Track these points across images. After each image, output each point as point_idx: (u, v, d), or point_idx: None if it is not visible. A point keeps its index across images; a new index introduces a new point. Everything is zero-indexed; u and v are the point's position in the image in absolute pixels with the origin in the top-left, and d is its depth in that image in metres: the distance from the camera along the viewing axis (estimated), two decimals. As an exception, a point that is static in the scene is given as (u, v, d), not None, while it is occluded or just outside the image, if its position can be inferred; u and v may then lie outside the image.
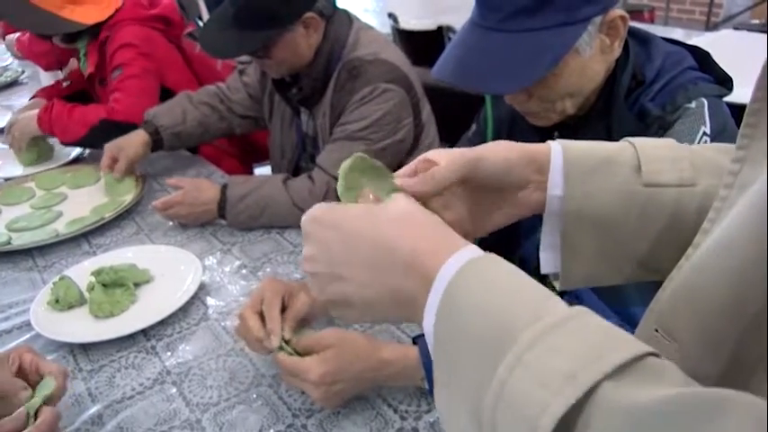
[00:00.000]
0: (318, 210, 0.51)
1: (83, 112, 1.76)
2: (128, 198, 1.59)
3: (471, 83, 0.92)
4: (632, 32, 0.99)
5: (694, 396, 0.30)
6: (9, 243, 1.43)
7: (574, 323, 0.36)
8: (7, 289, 1.29)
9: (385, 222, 0.46)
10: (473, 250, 0.43)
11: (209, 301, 1.20)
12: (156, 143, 1.66)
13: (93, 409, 0.96)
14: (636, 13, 4.61)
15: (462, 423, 0.39)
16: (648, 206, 0.55)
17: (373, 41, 1.48)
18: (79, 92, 2.07)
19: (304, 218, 0.51)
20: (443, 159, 0.55)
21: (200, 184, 1.45)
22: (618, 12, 0.90)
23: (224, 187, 1.42)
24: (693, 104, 0.93)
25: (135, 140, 1.62)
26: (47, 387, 0.84)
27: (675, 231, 0.55)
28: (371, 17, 3.67)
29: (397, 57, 1.49)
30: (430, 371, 0.86)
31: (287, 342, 0.90)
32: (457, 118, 1.47)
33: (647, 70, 0.98)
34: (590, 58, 0.92)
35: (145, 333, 1.11)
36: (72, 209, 1.58)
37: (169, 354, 1.07)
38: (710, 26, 4.43)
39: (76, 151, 1.91)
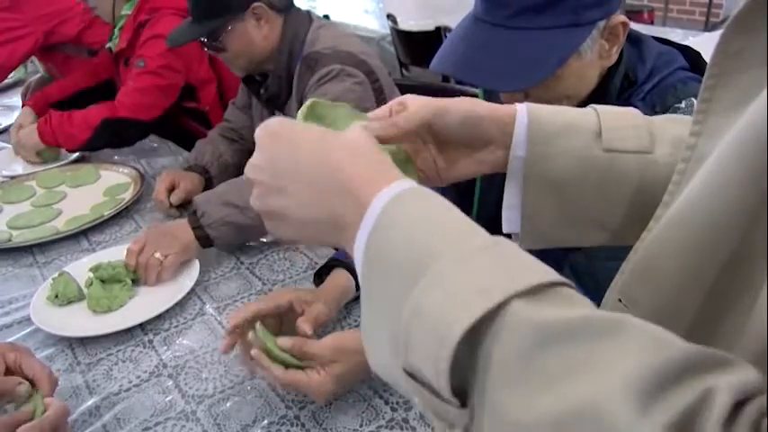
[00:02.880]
0: (277, 124, 0.51)
1: (83, 115, 1.76)
2: (126, 196, 1.61)
3: (475, 78, 0.92)
4: (627, 32, 1.00)
5: (598, 317, 0.32)
6: (10, 240, 1.45)
7: (496, 249, 0.38)
8: (8, 285, 1.31)
9: (334, 147, 0.47)
10: (409, 182, 0.44)
11: (206, 297, 1.22)
12: (208, 181, 1.61)
13: (91, 401, 0.98)
14: (635, 14, 4.62)
15: (380, 341, 0.41)
16: (607, 171, 0.57)
17: (332, 37, 1.50)
18: (71, 96, 2.06)
19: (260, 128, 0.51)
20: (413, 106, 0.57)
21: (161, 226, 1.35)
22: (620, 18, 0.91)
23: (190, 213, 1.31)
24: (683, 104, 0.93)
25: (191, 174, 1.59)
26: (37, 404, 0.84)
27: (632, 197, 0.57)
28: (371, 18, 3.69)
29: (357, 48, 1.50)
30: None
31: (277, 346, 0.86)
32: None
33: (639, 71, 0.98)
34: (589, 63, 0.93)
35: (142, 327, 1.13)
36: (71, 207, 1.60)
37: (165, 347, 1.09)
38: (710, 26, 4.44)
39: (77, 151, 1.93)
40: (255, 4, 1.42)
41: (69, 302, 1.19)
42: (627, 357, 0.30)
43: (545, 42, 0.87)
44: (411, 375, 0.38)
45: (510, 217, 0.62)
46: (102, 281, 1.19)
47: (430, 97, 0.60)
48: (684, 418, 0.27)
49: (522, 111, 0.59)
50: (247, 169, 0.52)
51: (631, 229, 0.57)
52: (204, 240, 1.27)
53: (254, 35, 1.45)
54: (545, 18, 0.86)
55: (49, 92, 2.05)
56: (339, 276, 1.08)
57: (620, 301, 0.48)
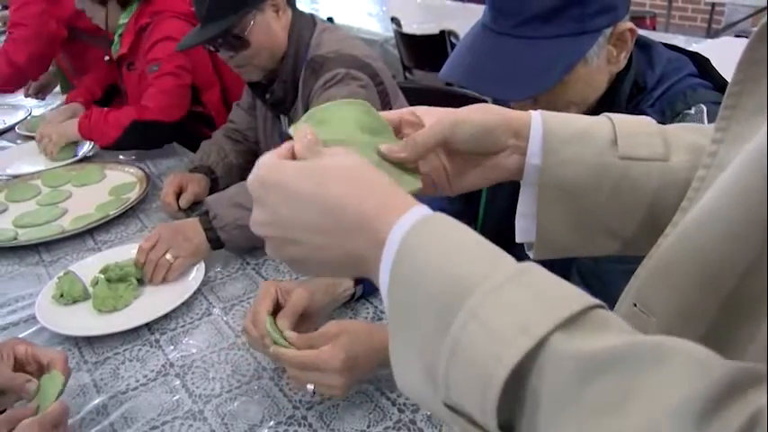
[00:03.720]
0: (262, 169, 0.49)
1: (116, 115, 1.79)
2: (132, 196, 1.61)
3: (483, 87, 0.93)
4: (635, 38, 1.01)
5: (638, 343, 0.32)
6: (16, 239, 1.45)
7: (525, 278, 0.38)
8: (14, 283, 1.31)
9: (330, 181, 0.46)
10: (423, 208, 0.43)
11: (212, 297, 1.22)
12: (213, 182, 1.62)
13: (98, 400, 0.98)
14: (638, 20, 4.64)
15: (417, 380, 0.40)
16: (622, 178, 0.57)
17: (336, 41, 1.50)
18: (110, 92, 2.11)
19: (249, 179, 0.50)
20: (427, 120, 0.57)
21: (174, 224, 1.33)
22: (627, 24, 0.91)
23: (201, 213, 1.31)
24: (693, 110, 0.94)
25: (197, 176, 1.59)
26: (55, 382, 0.84)
27: (646, 205, 0.57)
28: (375, 21, 3.70)
29: (361, 51, 1.51)
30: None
31: (285, 339, 0.88)
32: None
33: (649, 77, 0.99)
34: (597, 68, 0.93)
35: (149, 327, 1.14)
36: (77, 206, 1.61)
37: (172, 347, 1.09)
38: (712, 33, 4.46)
39: (83, 150, 1.93)
40: None
41: (75, 302, 1.19)
42: (674, 384, 0.30)
43: (551, 51, 0.88)
44: (451, 408, 0.38)
45: (524, 226, 0.62)
46: (108, 280, 1.19)
47: (441, 109, 0.59)
48: None
49: (536, 119, 0.59)
50: (252, 226, 0.51)
51: (643, 239, 0.58)
52: (215, 243, 1.27)
53: (274, 27, 1.45)
54: (551, 27, 0.87)
55: (92, 88, 2.13)
56: None
57: (635, 305, 0.48)
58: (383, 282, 0.42)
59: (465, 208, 1.23)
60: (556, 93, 0.92)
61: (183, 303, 1.17)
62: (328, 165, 0.47)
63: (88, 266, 1.27)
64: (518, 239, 0.63)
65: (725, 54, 1.15)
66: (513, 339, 0.34)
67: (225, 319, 1.15)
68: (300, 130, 0.51)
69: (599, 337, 0.34)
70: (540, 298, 0.36)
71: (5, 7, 2.73)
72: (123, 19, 1.86)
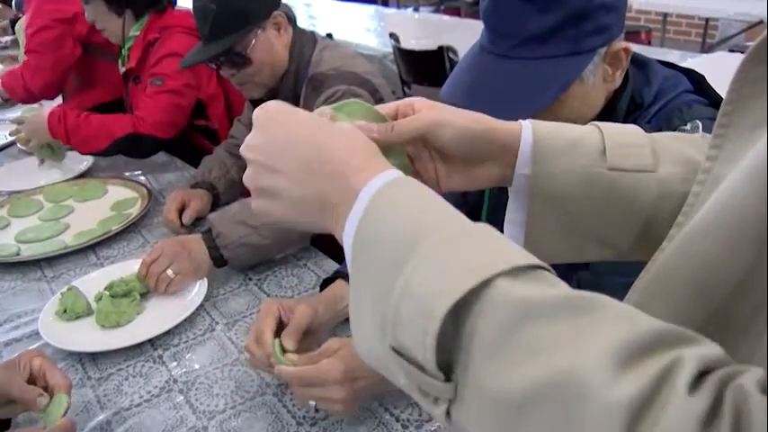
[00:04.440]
0: (276, 107, 0.53)
1: (103, 122, 1.78)
2: (134, 211, 1.62)
3: (480, 107, 0.94)
4: (630, 57, 1.03)
5: (577, 295, 0.35)
6: (18, 254, 1.46)
7: (480, 233, 0.40)
8: (17, 299, 1.32)
9: (329, 134, 0.50)
10: (398, 172, 0.46)
11: (215, 313, 1.23)
12: (215, 197, 1.63)
13: (102, 416, 0.98)
14: (633, 35, 4.68)
15: (370, 330, 0.42)
16: (610, 189, 0.58)
17: (336, 58, 1.52)
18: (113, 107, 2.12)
19: (259, 109, 0.53)
20: (417, 111, 0.58)
21: (177, 239, 1.33)
22: (622, 44, 0.93)
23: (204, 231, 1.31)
24: (688, 126, 0.95)
25: (199, 192, 1.60)
26: (60, 405, 0.85)
27: (635, 214, 0.58)
28: (373, 37, 3.73)
29: (362, 68, 1.52)
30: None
31: (288, 355, 0.91)
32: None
33: (645, 93, 1.01)
34: (593, 87, 0.95)
35: (152, 343, 1.14)
36: (79, 221, 1.62)
37: (175, 363, 1.09)
38: (706, 48, 4.50)
39: (84, 165, 1.94)
40: (275, 12, 1.46)
41: (78, 317, 1.20)
42: (603, 332, 0.32)
43: (547, 71, 0.90)
44: (397, 352, 0.39)
45: (512, 233, 0.63)
46: (112, 296, 1.20)
47: (439, 105, 0.60)
48: (655, 383, 0.29)
49: (527, 129, 0.60)
50: (243, 148, 0.54)
51: (634, 246, 0.59)
52: (218, 261, 1.27)
53: (276, 44, 1.48)
54: (548, 47, 0.88)
55: (83, 103, 2.13)
56: (337, 285, 1.10)
57: None
58: (348, 234, 0.45)
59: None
60: (553, 111, 0.94)
61: (185, 319, 1.17)
62: (332, 124, 0.52)
63: (92, 282, 1.28)
64: None
65: (719, 69, 1.17)
66: (459, 280, 0.36)
67: (228, 335, 1.16)
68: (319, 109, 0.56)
69: (541, 288, 0.36)
70: (490, 249, 0.39)
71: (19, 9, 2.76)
72: (134, 32, 1.87)
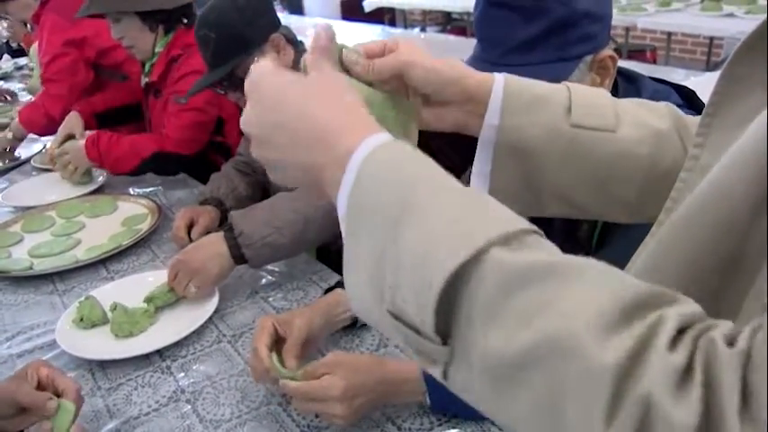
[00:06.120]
0: (257, 73, 0.54)
1: (132, 143, 1.85)
2: (144, 227, 1.66)
3: None
4: (620, 72, 1.05)
5: (566, 261, 0.37)
6: (31, 268, 1.50)
7: (471, 197, 0.42)
8: (29, 312, 1.35)
9: (309, 96, 0.50)
10: (384, 135, 0.47)
11: (222, 325, 1.25)
12: (223, 213, 1.64)
13: (112, 425, 1.00)
14: (638, 53, 4.72)
15: (365, 290, 0.44)
16: (571, 144, 0.60)
17: None
18: (113, 110, 2.17)
19: (248, 82, 0.54)
20: (396, 50, 0.61)
21: (193, 246, 1.35)
22: (608, 52, 0.97)
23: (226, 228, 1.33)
24: None
25: (207, 208, 1.63)
26: (67, 411, 0.87)
27: (592, 170, 0.61)
28: (380, 56, 3.78)
29: None
30: (431, 384, 0.90)
31: (290, 375, 0.92)
32: (465, 149, 1.53)
33: None
34: None
35: (160, 354, 1.17)
36: (90, 236, 1.65)
37: (183, 374, 1.12)
38: (711, 66, 4.53)
39: (96, 183, 1.99)
40: (273, 35, 1.50)
41: (94, 326, 1.24)
42: (589, 295, 0.34)
43: (535, 76, 0.93)
44: (394, 316, 0.41)
45: (477, 184, 0.65)
46: (126, 308, 1.24)
47: (418, 48, 0.62)
48: (640, 340, 0.31)
49: (499, 81, 0.62)
50: (241, 122, 0.56)
51: (590, 203, 0.62)
52: (239, 259, 1.29)
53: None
54: (535, 55, 0.92)
55: (95, 102, 2.16)
56: (333, 294, 1.12)
57: None
58: (341, 198, 0.46)
59: None
60: None
61: (194, 332, 1.20)
62: (315, 82, 0.52)
63: (106, 293, 1.32)
64: None
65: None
66: (456, 247, 0.38)
67: (234, 346, 1.18)
68: (317, 42, 0.56)
69: (533, 254, 0.38)
70: (484, 214, 0.41)
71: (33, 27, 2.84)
72: (158, 48, 1.92)
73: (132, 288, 1.33)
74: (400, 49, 0.61)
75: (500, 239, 0.38)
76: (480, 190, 0.64)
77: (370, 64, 0.60)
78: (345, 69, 0.60)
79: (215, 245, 1.29)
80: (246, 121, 0.54)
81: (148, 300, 1.27)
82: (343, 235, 0.46)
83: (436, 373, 0.40)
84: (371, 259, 0.43)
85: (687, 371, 0.30)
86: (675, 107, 0.67)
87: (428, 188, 0.42)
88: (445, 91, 0.62)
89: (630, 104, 0.65)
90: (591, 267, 0.36)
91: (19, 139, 2.32)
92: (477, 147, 0.64)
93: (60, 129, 2.00)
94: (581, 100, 0.62)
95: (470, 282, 0.38)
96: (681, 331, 0.32)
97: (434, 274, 0.38)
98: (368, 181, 0.44)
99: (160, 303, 1.27)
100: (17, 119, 2.27)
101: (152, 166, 1.88)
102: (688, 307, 0.34)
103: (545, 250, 0.39)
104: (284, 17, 1.66)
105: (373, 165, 0.45)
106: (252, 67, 0.55)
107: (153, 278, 1.38)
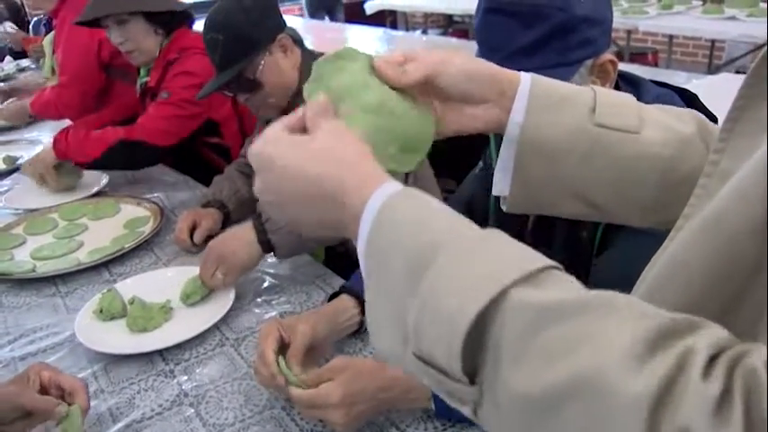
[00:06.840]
0: (256, 146, 0.56)
1: (100, 133, 1.83)
2: (146, 229, 1.65)
3: None
4: (622, 75, 1.05)
5: (591, 297, 0.37)
6: (34, 271, 1.50)
7: (492, 239, 0.43)
8: (32, 314, 1.35)
9: (310, 158, 0.52)
10: (394, 184, 0.48)
11: (225, 328, 1.25)
12: (226, 216, 1.66)
13: (114, 429, 1.00)
14: (639, 56, 4.73)
15: (389, 335, 0.45)
16: (594, 144, 0.61)
17: None
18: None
19: (250, 155, 0.57)
20: (420, 57, 0.61)
21: (224, 235, 1.38)
22: (608, 56, 0.96)
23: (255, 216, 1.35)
24: None
25: (210, 211, 1.63)
26: (76, 416, 0.87)
27: (613, 171, 0.61)
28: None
29: None
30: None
31: (295, 372, 0.93)
32: (466, 154, 1.53)
33: None
34: None
35: (163, 357, 1.16)
36: (93, 239, 1.65)
37: (186, 377, 1.11)
38: (712, 69, 4.53)
39: (99, 185, 1.98)
40: (280, 35, 1.50)
41: (113, 318, 1.26)
42: (617, 329, 0.34)
43: None
44: (421, 359, 0.42)
45: (499, 180, 0.66)
46: (143, 303, 1.26)
47: (440, 53, 0.63)
48: (671, 373, 0.31)
49: (525, 79, 0.63)
50: (255, 191, 0.58)
51: (610, 207, 0.63)
52: (266, 245, 1.30)
53: (284, 66, 1.52)
54: (535, 59, 0.91)
55: (88, 122, 2.16)
56: (340, 299, 1.12)
57: None
58: (360, 251, 0.48)
59: None
60: None
61: (197, 335, 1.20)
62: (316, 143, 0.53)
63: (127, 287, 1.35)
64: (494, 192, 0.67)
65: (724, 90, 1.19)
66: (478, 291, 0.38)
67: (238, 350, 1.18)
68: (314, 102, 0.58)
69: (555, 291, 0.38)
70: (502, 257, 0.41)
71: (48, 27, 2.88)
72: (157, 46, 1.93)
73: (152, 284, 1.36)
74: (425, 55, 0.62)
75: (522, 278, 0.38)
76: (503, 186, 0.65)
77: (403, 69, 0.60)
78: (377, 77, 0.60)
79: (246, 234, 1.31)
80: (258, 190, 0.57)
81: (185, 297, 1.29)
82: (365, 279, 0.47)
83: (466, 411, 0.41)
84: (393, 304, 0.44)
85: (724, 400, 0.30)
86: (700, 114, 0.67)
87: (448, 233, 0.43)
88: (480, 89, 0.62)
89: (655, 109, 0.65)
90: (615, 300, 0.36)
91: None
92: (503, 142, 0.64)
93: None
94: (606, 101, 0.62)
95: (495, 322, 0.38)
96: (712, 358, 0.32)
97: (459, 318, 0.38)
98: (384, 228, 0.46)
99: (197, 298, 1.29)
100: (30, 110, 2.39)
101: (118, 156, 1.82)
102: (714, 332, 0.34)
103: (568, 287, 0.39)
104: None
105: (388, 213, 0.46)
106: (250, 148, 0.57)
107: (172, 273, 1.40)
